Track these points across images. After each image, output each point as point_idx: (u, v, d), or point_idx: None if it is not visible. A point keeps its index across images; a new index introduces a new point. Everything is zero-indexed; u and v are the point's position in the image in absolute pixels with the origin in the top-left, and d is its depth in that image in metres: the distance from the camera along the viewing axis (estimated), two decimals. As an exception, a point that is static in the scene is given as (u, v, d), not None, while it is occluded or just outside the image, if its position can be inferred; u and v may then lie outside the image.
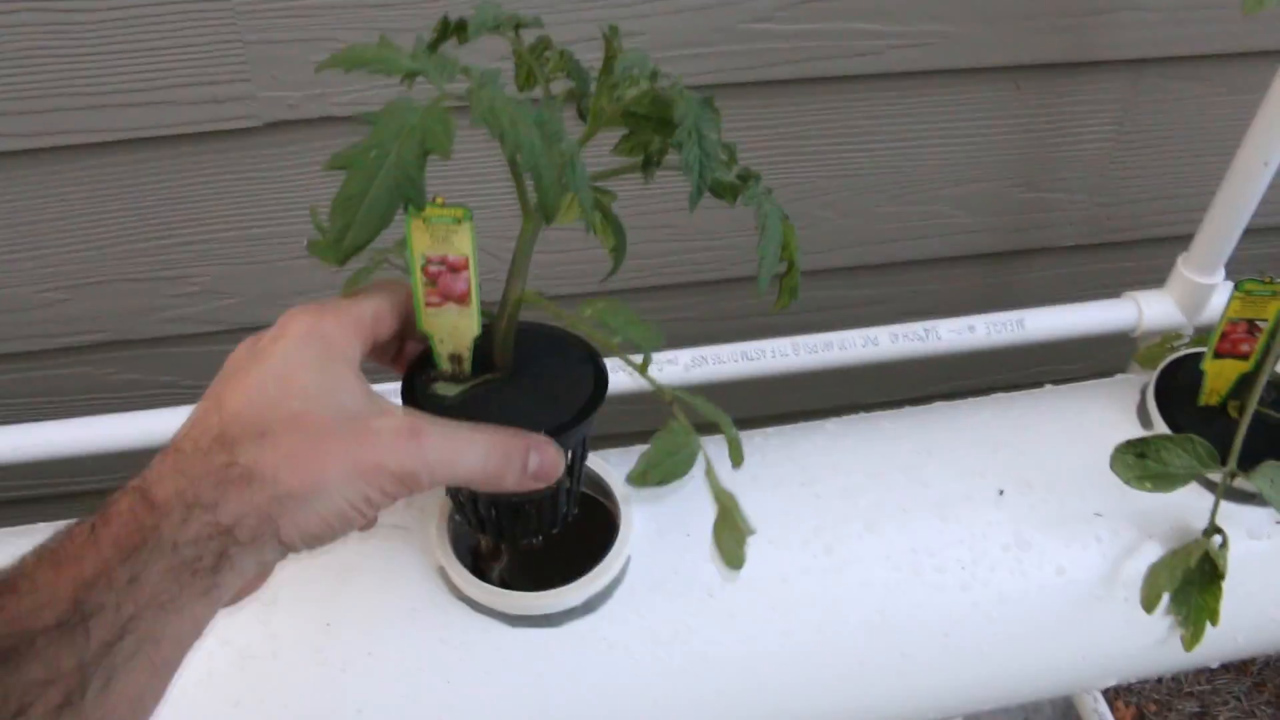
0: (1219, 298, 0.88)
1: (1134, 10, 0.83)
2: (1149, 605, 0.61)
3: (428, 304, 0.46)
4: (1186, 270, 0.87)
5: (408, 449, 0.42)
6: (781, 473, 0.64)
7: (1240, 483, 0.61)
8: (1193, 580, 0.60)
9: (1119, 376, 0.78)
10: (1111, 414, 0.70)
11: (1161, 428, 0.67)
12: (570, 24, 0.75)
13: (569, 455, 0.49)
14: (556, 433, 0.47)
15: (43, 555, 0.37)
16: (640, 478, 0.44)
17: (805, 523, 0.62)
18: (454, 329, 0.47)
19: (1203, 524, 0.61)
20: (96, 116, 0.76)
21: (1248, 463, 0.61)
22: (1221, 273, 0.87)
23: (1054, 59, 0.86)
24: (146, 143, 0.78)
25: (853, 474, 0.65)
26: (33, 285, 0.84)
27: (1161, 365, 0.71)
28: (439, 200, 0.44)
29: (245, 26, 0.74)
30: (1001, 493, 0.64)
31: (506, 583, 0.56)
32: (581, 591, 0.55)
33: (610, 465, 0.61)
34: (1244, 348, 0.64)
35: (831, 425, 0.69)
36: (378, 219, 0.39)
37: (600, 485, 0.61)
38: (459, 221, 0.44)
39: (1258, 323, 0.62)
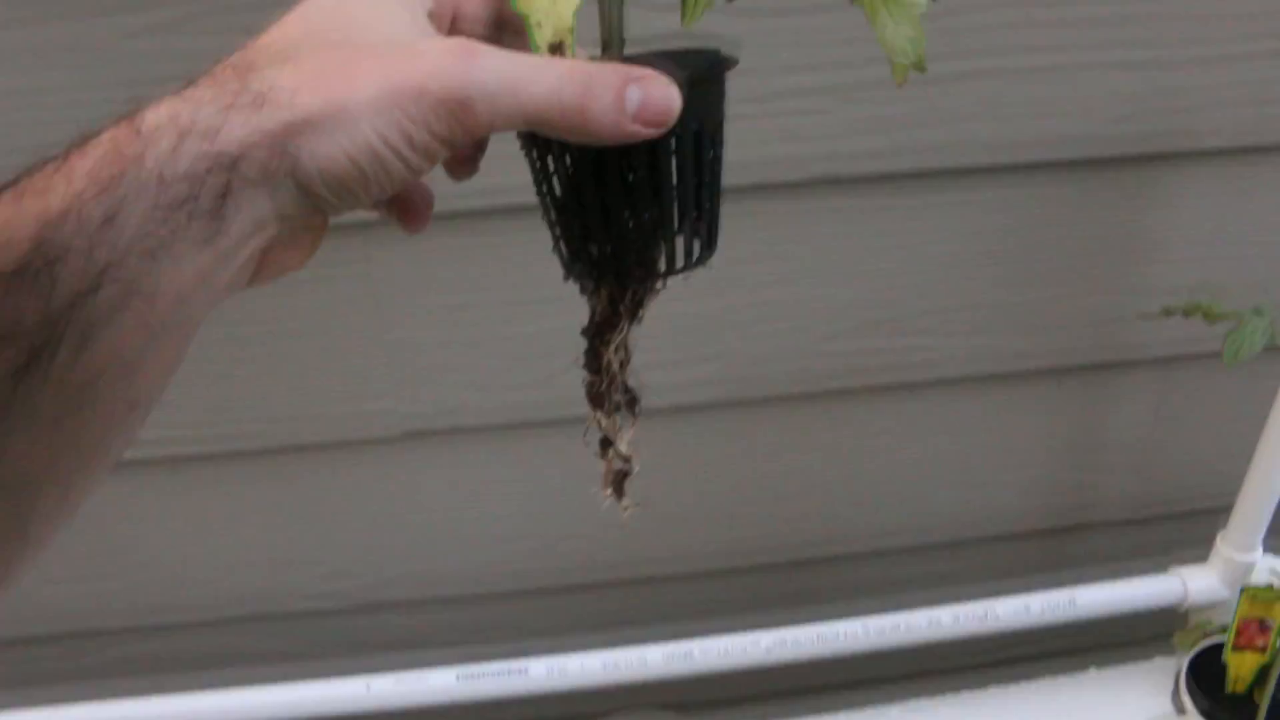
0: (1260, 573, 1.00)
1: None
2: None
3: None
4: (1226, 548, 0.99)
5: (458, 68, 0.34)
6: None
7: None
8: None
9: (1158, 660, 0.90)
10: (1149, 699, 0.82)
11: (1194, 714, 0.78)
12: None
13: (693, 142, 0.41)
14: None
15: (1, 191, 0.32)
16: None
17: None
18: (553, 3, 0.41)
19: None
20: (260, 427, 0.94)
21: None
22: (1259, 549, 0.99)
23: (1090, 361, 1.02)
24: (297, 449, 0.96)
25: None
26: (196, 564, 1.01)
27: (1192, 654, 0.83)
28: None
29: (394, 355, 0.92)
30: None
31: None
32: None
33: None
34: (1259, 642, 0.76)
35: (896, 712, 0.81)
36: None
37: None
38: None
39: (1267, 620, 0.75)
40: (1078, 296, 0.96)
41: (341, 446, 0.96)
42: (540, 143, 0.42)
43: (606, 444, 0.49)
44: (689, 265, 0.44)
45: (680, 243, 0.43)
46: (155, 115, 0.32)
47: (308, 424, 0.93)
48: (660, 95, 0.37)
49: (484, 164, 0.80)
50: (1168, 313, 0.77)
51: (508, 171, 0.80)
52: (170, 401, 0.89)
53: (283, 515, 0.99)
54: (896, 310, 0.94)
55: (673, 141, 0.40)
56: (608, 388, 0.47)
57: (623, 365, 0.47)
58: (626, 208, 0.41)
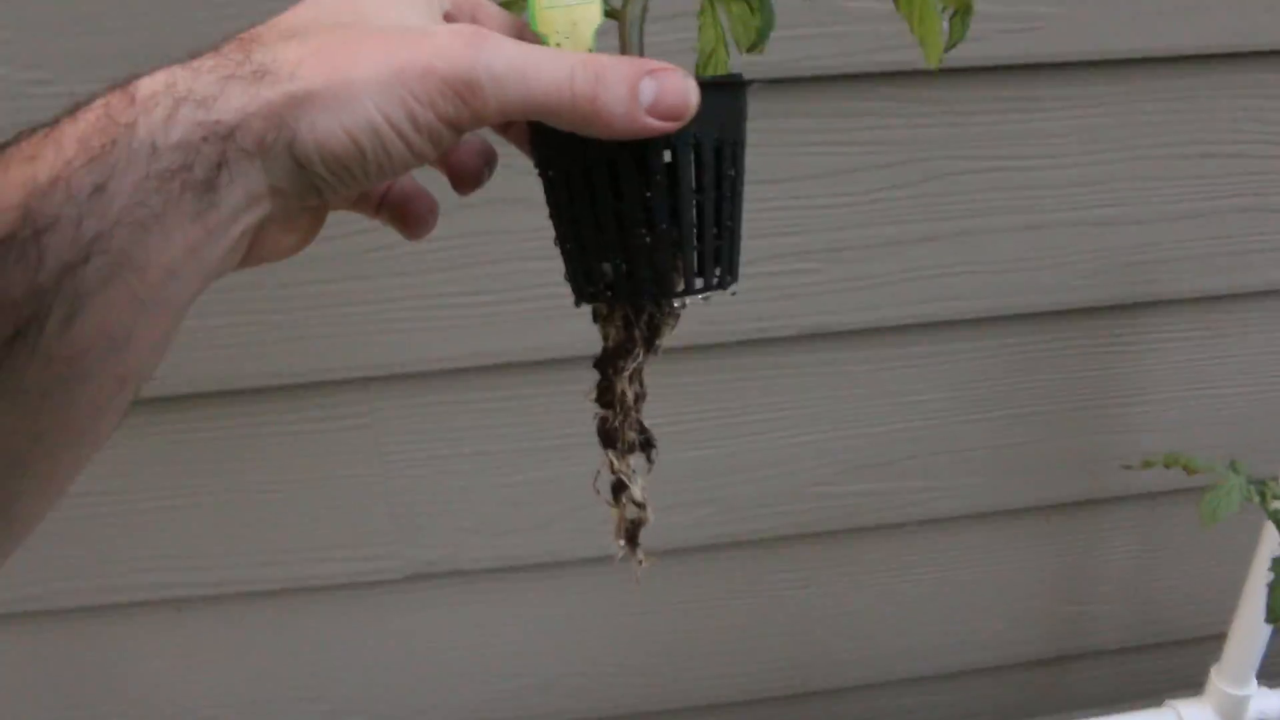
0: (1254, 707, 1.02)
1: (1143, 453, 1.03)
2: None
3: None
4: (1220, 682, 1.01)
5: (467, 49, 0.34)
6: None
7: None
8: None
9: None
10: None
11: None
12: None
13: (714, 160, 0.40)
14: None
15: None
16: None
17: None
18: (573, 25, 0.41)
19: None
20: (269, 571, 0.96)
21: None
22: (1253, 683, 1.01)
23: (1077, 498, 1.05)
24: (304, 591, 0.98)
25: None
26: (195, 701, 1.02)
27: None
28: None
29: (395, 501, 0.94)
30: None
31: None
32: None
33: None
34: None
35: None
36: None
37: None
38: None
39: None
40: (1062, 437, 1.00)
41: (343, 589, 0.98)
42: (556, 154, 0.40)
43: (619, 489, 0.46)
44: (708, 287, 0.42)
45: (697, 261, 0.41)
46: (151, 82, 0.31)
47: (310, 567, 0.95)
48: (677, 87, 0.36)
49: (477, 327, 0.84)
50: (1148, 465, 0.81)
51: (501, 334, 0.84)
52: (174, 544, 0.91)
53: (283, 654, 1.00)
54: (886, 454, 0.97)
55: (692, 150, 0.39)
56: (622, 423, 0.45)
57: (638, 400, 0.45)
58: (643, 219, 0.39)
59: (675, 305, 0.43)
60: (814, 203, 0.84)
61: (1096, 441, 1.00)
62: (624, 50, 0.42)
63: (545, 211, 0.43)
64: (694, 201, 0.40)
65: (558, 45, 0.40)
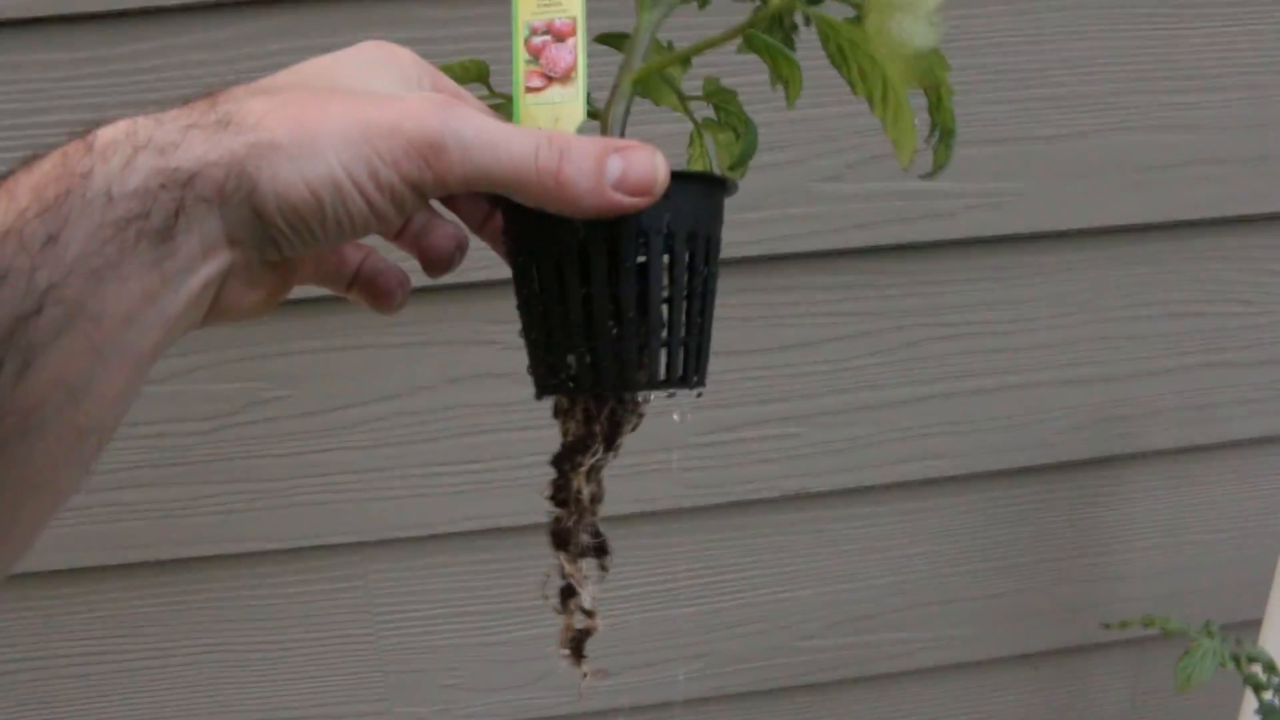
0: None
1: (1125, 601, 1.04)
2: None
3: (528, 89, 0.41)
4: (1214, 832, 1.02)
5: (436, 113, 0.34)
6: None
7: None
8: None
9: None
10: None
11: None
12: None
13: (686, 253, 0.40)
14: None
15: None
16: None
17: None
18: (556, 120, 0.41)
19: None
20: (261, 736, 0.97)
21: None
22: (1248, 832, 1.01)
23: (1064, 646, 1.06)
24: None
25: None
26: None
27: None
28: None
29: (387, 659, 0.96)
30: None
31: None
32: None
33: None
34: None
35: None
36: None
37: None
38: None
39: None
40: (1046, 587, 1.02)
41: (334, 746, 0.99)
42: (527, 237, 0.40)
43: (568, 594, 0.44)
44: (672, 383, 0.41)
45: (665, 357, 0.40)
46: (112, 131, 0.31)
47: (302, 729, 0.96)
48: (644, 163, 0.36)
49: (465, 493, 0.87)
50: (1125, 625, 0.83)
51: (494, 497, 0.87)
52: (170, 703, 0.93)
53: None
54: (872, 608, 0.99)
55: (664, 240, 0.39)
56: (576, 524, 0.43)
57: (594, 500, 0.43)
58: (611, 309, 0.39)
59: (639, 399, 0.42)
60: (794, 370, 0.88)
61: (1080, 590, 1.02)
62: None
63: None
64: (663, 294, 0.39)
65: None
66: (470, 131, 0.34)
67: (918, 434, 0.92)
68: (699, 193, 0.40)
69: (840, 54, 0.40)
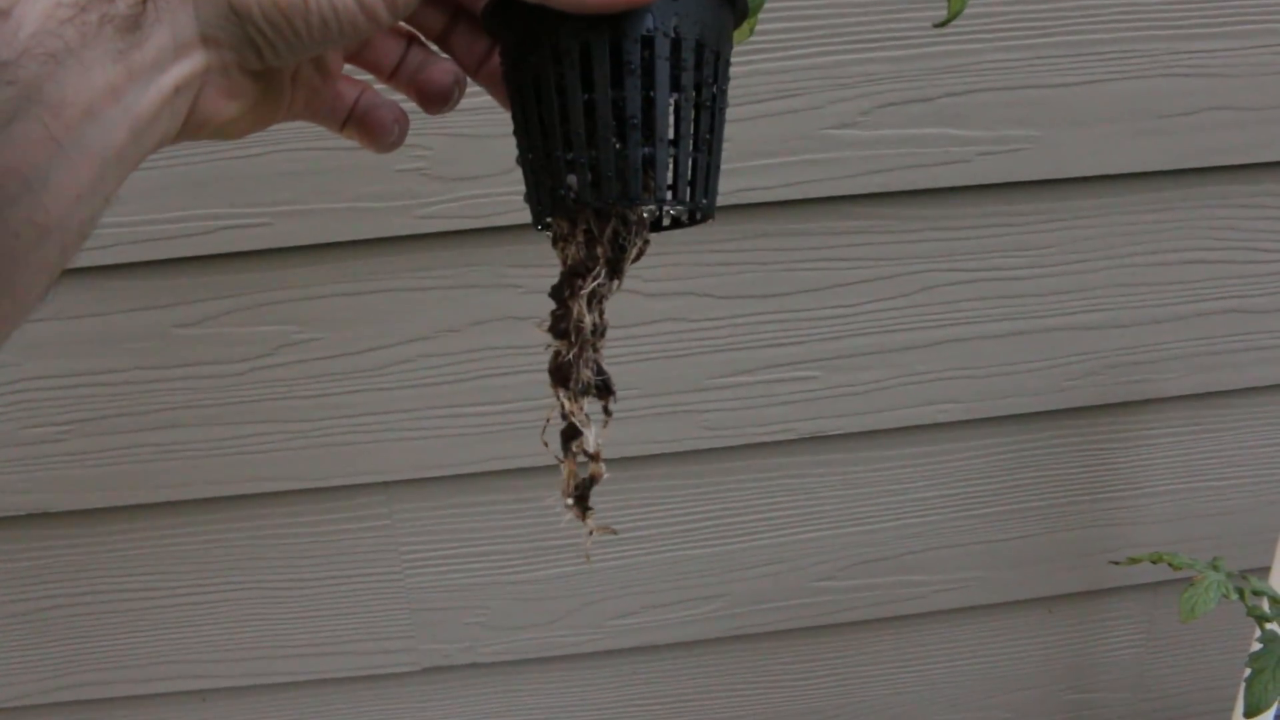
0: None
1: (1138, 545, 1.08)
2: None
3: None
4: (1223, 773, 1.05)
5: None
6: None
7: None
8: None
9: None
10: None
11: None
12: None
13: (694, 59, 0.39)
14: None
15: None
16: None
17: None
18: None
19: None
20: (291, 664, 1.01)
21: None
22: (1256, 773, 1.04)
23: (1078, 589, 1.09)
24: (326, 683, 1.03)
25: None
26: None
27: None
28: None
29: (413, 598, 1.00)
30: None
31: None
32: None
33: None
34: None
35: None
36: None
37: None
38: None
39: None
40: (1061, 532, 1.05)
41: (362, 681, 1.03)
42: (526, 42, 0.38)
43: (570, 436, 0.41)
44: (679, 201, 0.39)
45: (672, 171, 0.39)
46: None
47: (331, 661, 1.01)
48: None
49: (491, 434, 0.90)
50: (1133, 561, 0.86)
51: (517, 439, 0.91)
52: (201, 639, 0.97)
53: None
54: (887, 550, 1.02)
55: (669, 42, 0.37)
56: (577, 357, 0.40)
57: (596, 331, 0.41)
58: (614, 114, 0.37)
59: (644, 216, 0.40)
60: (809, 315, 0.91)
61: (1093, 534, 1.05)
62: None
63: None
64: (670, 101, 0.38)
65: None
66: None
67: (932, 378, 0.95)
68: (707, 1, 0.38)
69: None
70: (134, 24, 0.30)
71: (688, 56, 0.38)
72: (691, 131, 0.39)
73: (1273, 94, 0.88)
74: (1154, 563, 0.84)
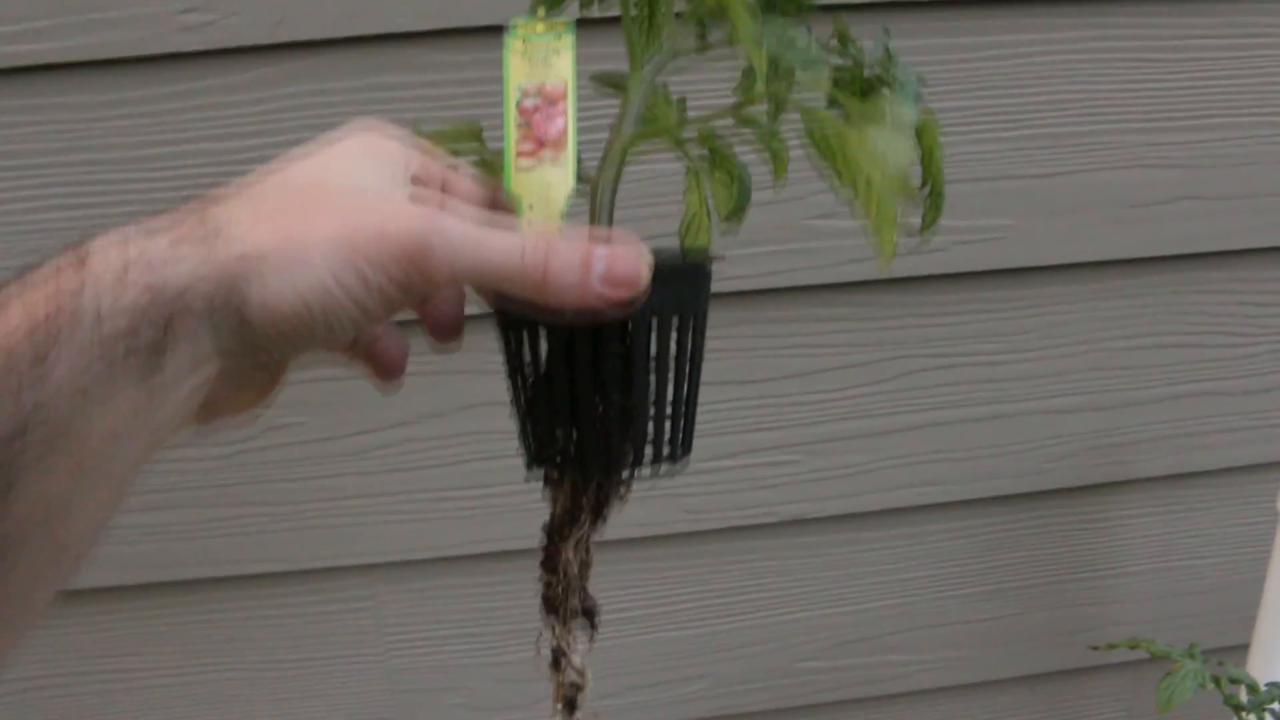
0: None
1: (1117, 624, 1.08)
2: None
3: (519, 154, 0.41)
4: None
5: (422, 215, 0.35)
6: None
7: None
8: None
9: None
10: None
11: None
12: None
13: (672, 334, 0.41)
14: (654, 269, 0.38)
15: None
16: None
17: None
18: (546, 189, 0.41)
19: None
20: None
21: None
22: None
23: (1059, 668, 1.10)
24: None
25: None
26: None
27: None
28: (540, 12, 0.41)
29: (395, 680, 1.00)
30: None
31: None
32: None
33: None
34: None
35: None
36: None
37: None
38: (560, 37, 0.40)
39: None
40: (1042, 611, 1.05)
41: (343, 764, 1.02)
42: (515, 321, 0.42)
43: (559, 657, 0.46)
44: (658, 461, 0.42)
45: (651, 435, 0.41)
46: (104, 244, 0.32)
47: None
48: (629, 259, 0.36)
49: (478, 516, 0.91)
50: (1112, 647, 0.86)
51: (502, 522, 0.91)
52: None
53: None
54: (870, 630, 1.02)
55: (648, 324, 0.40)
56: (565, 591, 0.45)
57: (583, 568, 0.45)
58: (596, 390, 0.40)
59: (624, 480, 0.43)
60: (791, 400, 0.92)
61: (1073, 614, 1.06)
62: (593, 216, 0.44)
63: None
64: (649, 377, 0.40)
65: (530, 208, 0.41)
66: (456, 233, 0.34)
67: (913, 461, 0.95)
68: (686, 277, 0.42)
69: (825, 143, 0.42)
70: (157, 350, 0.31)
71: (666, 333, 0.40)
72: (669, 398, 0.41)
73: (1240, 184, 0.91)
74: (1132, 648, 0.85)
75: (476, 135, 0.48)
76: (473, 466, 0.91)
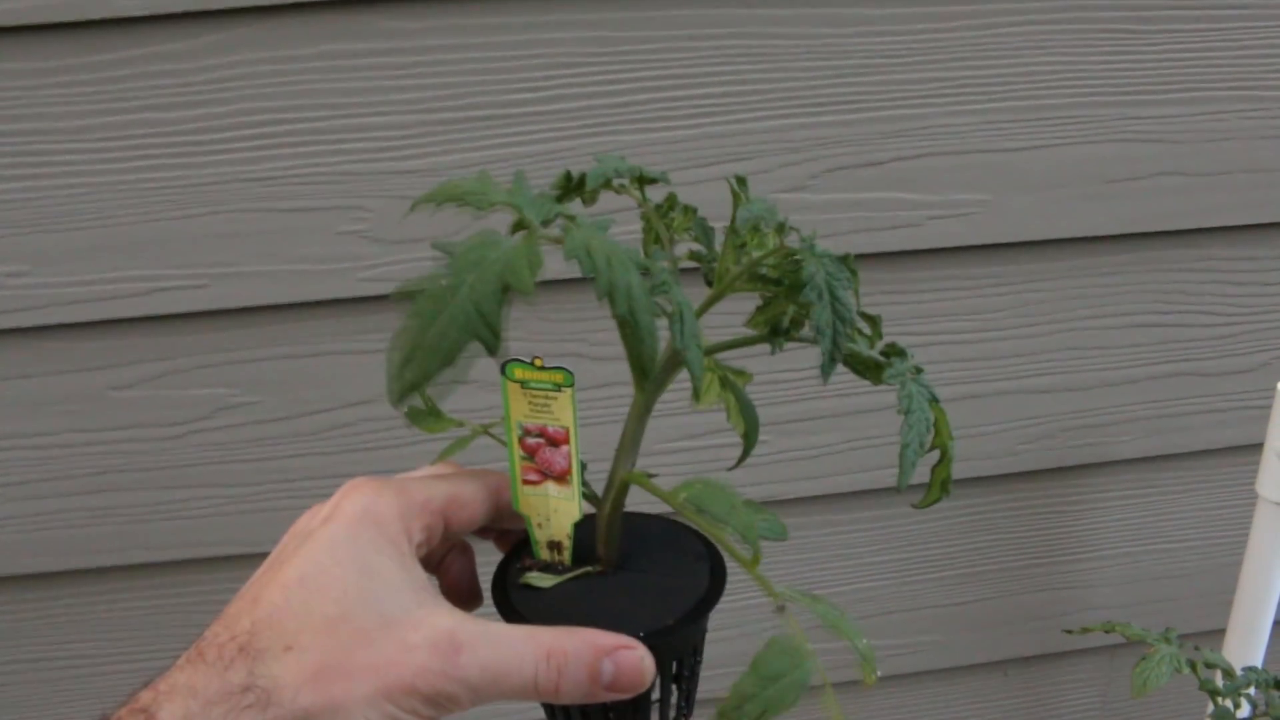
0: None
1: (1092, 609, 1.06)
2: None
3: (525, 481, 0.44)
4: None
5: (443, 667, 0.39)
6: None
7: None
8: None
9: None
10: None
11: None
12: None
13: (674, 665, 0.45)
14: (652, 638, 0.42)
15: None
16: (734, 713, 0.39)
17: None
18: (553, 512, 0.44)
19: None
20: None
21: None
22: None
23: (1034, 652, 1.08)
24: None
25: None
26: None
27: None
28: (537, 361, 0.42)
29: None
30: None
31: None
32: None
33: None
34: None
35: None
36: (441, 355, 0.34)
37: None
38: (559, 388, 0.42)
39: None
40: (1016, 595, 1.03)
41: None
42: None
43: None
44: None
45: None
46: (170, 716, 0.38)
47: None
48: (633, 666, 0.41)
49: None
50: (1087, 630, 0.84)
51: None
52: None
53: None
54: (841, 615, 1.00)
55: (666, 666, 0.44)
56: None
57: None
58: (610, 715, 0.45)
59: None
60: (760, 379, 0.89)
61: (1048, 597, 1.04)
62: (600, 543, 0.47)
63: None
64: (651, 710, 0.45)
65: (539, 526, 0.45)
66: (475, 675, 0.39)
67: (884, 442, 0.93)
68: (691, 626, 0.44)
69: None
70: (265, 701, 0.38)
71: (669, 670, 0.45)
72: (675, 699, 0.46)
73: (1218, 160, 0.88)
74: (1107, 632, 0.83)
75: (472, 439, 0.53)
76: (431, 447, 0.88)
